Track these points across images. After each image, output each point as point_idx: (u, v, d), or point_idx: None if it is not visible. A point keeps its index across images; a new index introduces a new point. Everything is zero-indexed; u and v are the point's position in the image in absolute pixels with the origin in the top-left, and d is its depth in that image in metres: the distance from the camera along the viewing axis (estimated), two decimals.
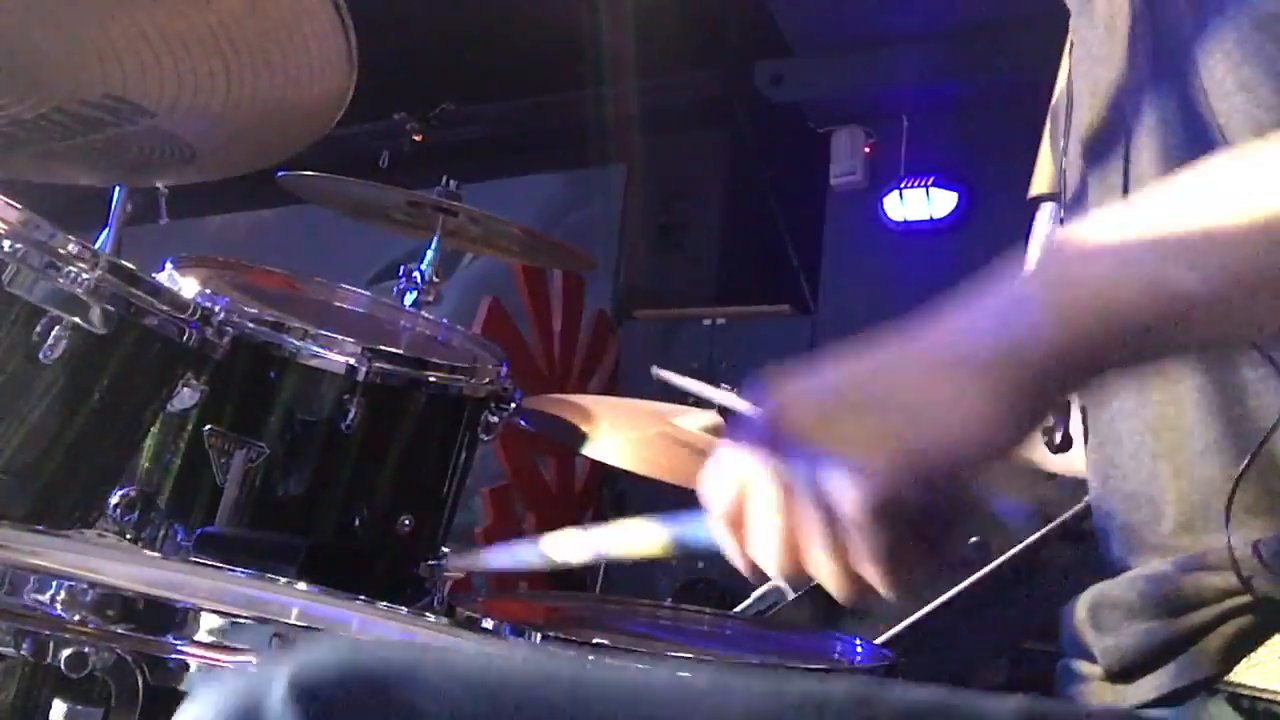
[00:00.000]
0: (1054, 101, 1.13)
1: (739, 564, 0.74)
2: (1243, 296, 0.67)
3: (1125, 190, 0.88)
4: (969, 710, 0.72)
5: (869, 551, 0.68)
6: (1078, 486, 1.05)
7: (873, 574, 0.69)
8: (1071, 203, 1.01)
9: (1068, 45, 1.08)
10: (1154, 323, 0.67)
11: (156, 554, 1.28)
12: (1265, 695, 0.80)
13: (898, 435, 0.67)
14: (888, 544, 0.67)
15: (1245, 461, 0.77)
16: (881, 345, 0.71)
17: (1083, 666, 0.92)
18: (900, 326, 0.71)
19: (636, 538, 0.85)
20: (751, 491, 0.71)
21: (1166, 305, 0.66)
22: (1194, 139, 0.83)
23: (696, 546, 0.81)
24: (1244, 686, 0.81)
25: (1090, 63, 0.98)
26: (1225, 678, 0.81)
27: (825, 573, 0.70)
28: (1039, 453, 0.98)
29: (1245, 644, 0.81)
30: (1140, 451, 0.88)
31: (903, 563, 0.69)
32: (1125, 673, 0.86)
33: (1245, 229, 0.66)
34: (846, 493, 0.66)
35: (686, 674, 0.78)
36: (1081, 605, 0.90)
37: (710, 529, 0.76)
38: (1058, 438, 0.98)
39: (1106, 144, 0.94)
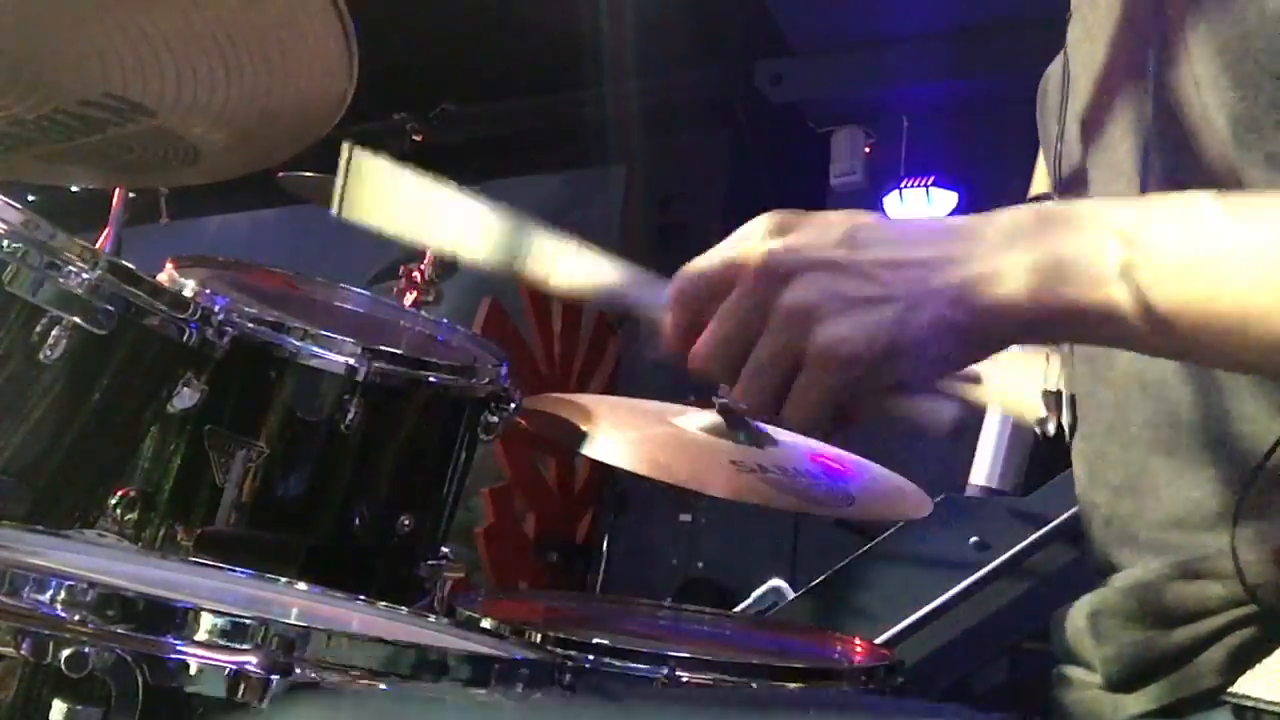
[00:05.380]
0: (1043, 80, 1.13)
1: (669, 341, 0.79)
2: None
3: (1140, 172, 0.88)
4: None
5: (815, 387, 0.71)
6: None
7: (799, 406, 0.72)
8: (1069, 180, 1.01)
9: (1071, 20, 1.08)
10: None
11: (156, 554, 1.28)
12: (1269, 707, 0.79)
13: (906, 307, 0.70)
14: (832, 388, 0.71)
15: (1258, 464, 0.77)
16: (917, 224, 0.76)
17: (1079, 674, 0.91)
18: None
19: (585, 269, 0.86)
20: (737, 280, 0.77)
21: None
22: (1177, 127, 0.83)
23: (630, 304, 0.83)
24: (1247, 698, 0.80)
25: (1089, 42, 0.98)
26: (1228, 689, 0.81)
27: (754, 384, 0.74)
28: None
29: (1248, 655, 0.80)
30: (1135, 442, 0.87)
31: (826, 408, 0.73)
32: (1125, 683, 0.85)
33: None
34: (834, 330, 0.71)
35: None
36: (1080, 613, 0.89)
37: (660, 294, 0.80)
38: (1050, 429, 0.98)
39: (1104, 123, 0.93)
